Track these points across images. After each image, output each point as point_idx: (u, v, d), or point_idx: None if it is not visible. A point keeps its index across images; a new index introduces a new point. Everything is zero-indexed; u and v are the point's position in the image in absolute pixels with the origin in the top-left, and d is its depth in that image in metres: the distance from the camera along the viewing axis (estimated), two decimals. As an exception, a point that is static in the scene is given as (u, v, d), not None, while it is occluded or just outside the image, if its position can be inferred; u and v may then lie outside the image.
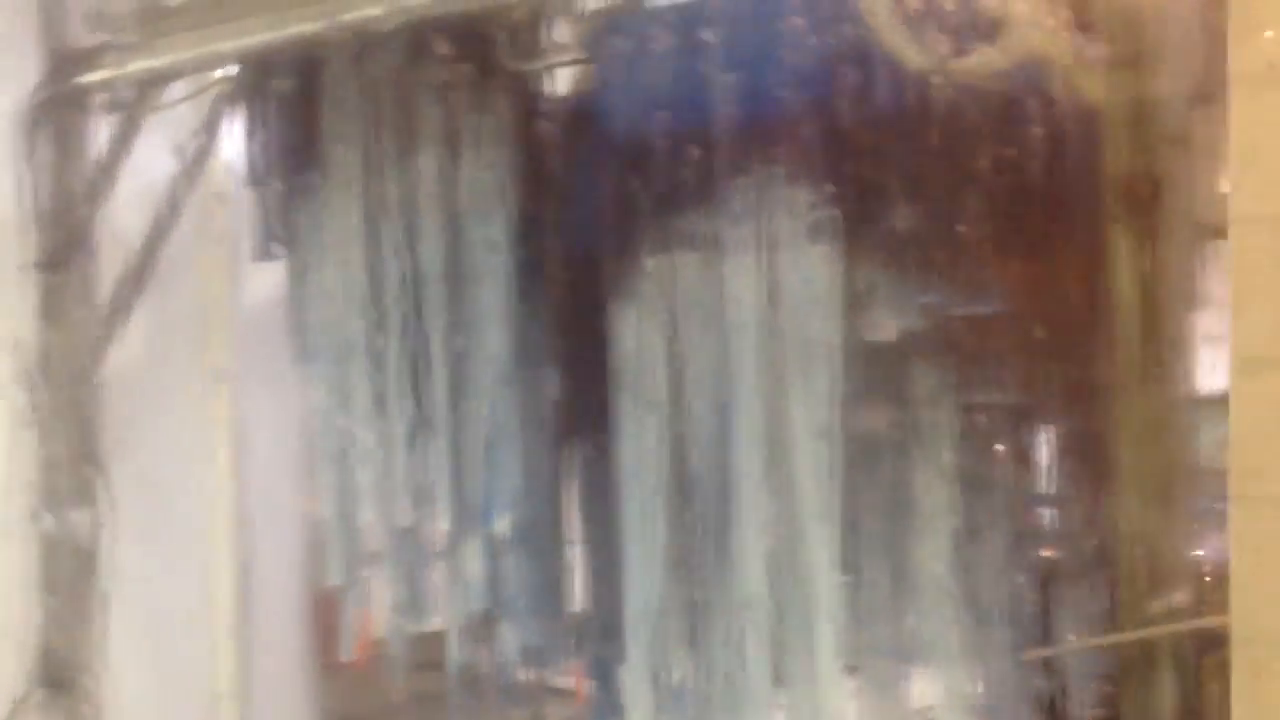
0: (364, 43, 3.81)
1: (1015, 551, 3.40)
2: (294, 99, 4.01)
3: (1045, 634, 3.49)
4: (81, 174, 4.53)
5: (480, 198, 3.81)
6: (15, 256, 4.59)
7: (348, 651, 4.19)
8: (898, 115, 3.18)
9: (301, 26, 3.86)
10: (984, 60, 2.80)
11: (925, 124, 3.13)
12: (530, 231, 3.81)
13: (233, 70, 4.22)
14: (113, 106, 4.42)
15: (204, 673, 5.47)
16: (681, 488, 3.60)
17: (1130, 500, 3.09)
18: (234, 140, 4.78)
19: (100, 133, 4.55)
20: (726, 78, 3.45)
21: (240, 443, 5.43)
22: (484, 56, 3.74)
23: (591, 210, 3.69)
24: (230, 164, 5.04)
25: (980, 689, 3.48)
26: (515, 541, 3.92)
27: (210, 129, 4.54)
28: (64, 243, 4.51)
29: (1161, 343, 2.99)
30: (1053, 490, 3.50)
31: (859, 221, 3.30)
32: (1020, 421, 3.31)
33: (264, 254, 4.15)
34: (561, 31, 3.71)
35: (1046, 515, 3.54)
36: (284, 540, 5.73)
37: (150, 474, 5.10)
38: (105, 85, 4.35)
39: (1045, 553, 3.43)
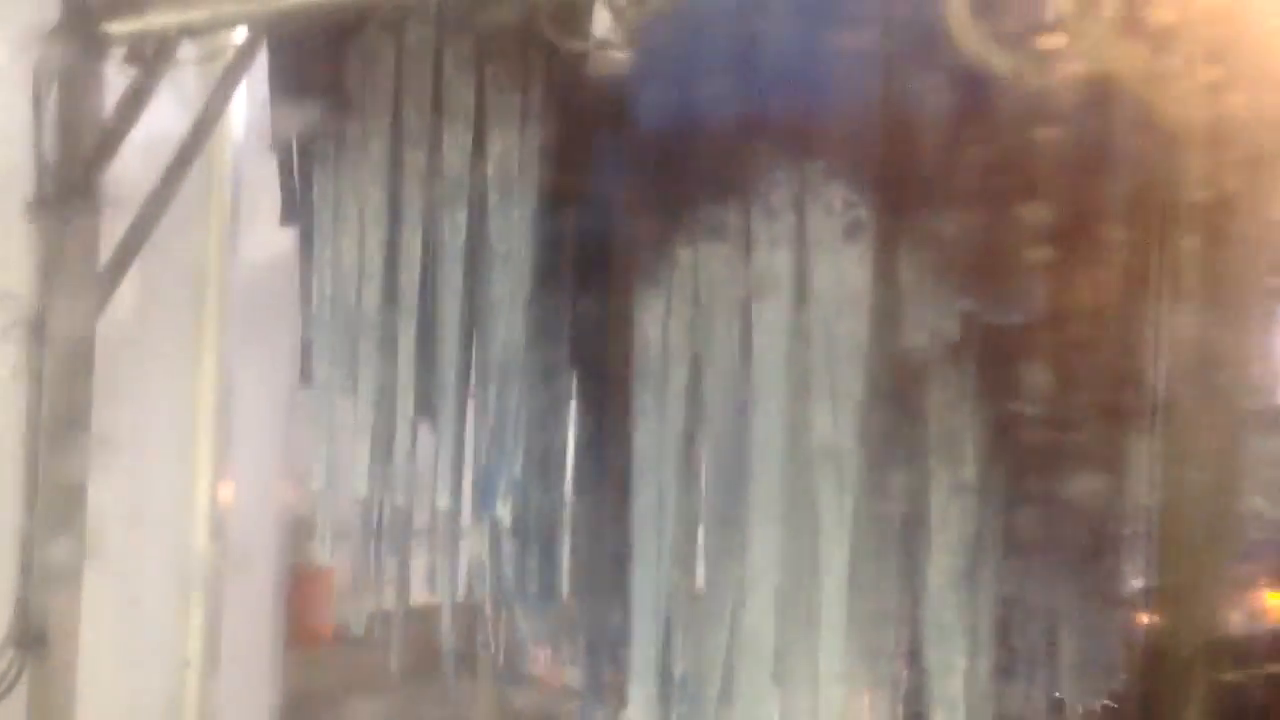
0: (402, 10, 3.75)
1: (1032, 567, 3.37)
2: (323, 64, 3.93)
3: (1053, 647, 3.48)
4: (92, 124, 4.43)
5: (508, 177, 3.76)
6: (17, 201, 4.50)
7: (354, 627, 4.15)
8: (946, 116, 3.15)
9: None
10: (1048, 64, 2.77)
11: (975, 127, 3.09)
12: (556, 214, 3.77)
13: (258, 29, 4.14)
14: (131, 60, 4.32)
15: (173, 640, 5.43)
16: (694, 481, 3.57)
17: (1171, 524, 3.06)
18: (247, 103, 4.75)
19: (116, 86, 4.46)
20: (768, 69, 3.42)
21: (225, 410, 5.38)
22: (523, 33, 3.69)
23: (621, 196, 3.65)
24: (240, 127, 5.01)
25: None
26: (516, 526, 3.88)
27: (226, 90, 4.47)
28: (67, 189, 4.41)
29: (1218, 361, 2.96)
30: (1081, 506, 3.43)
31: (898, 224, 3.27)
32: (1050, 434, 3.27)
33: (287, 220, 4.07)
34: (604, 14, 3.66)
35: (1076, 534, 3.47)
36: (263, 512, 5.69)
37: (134, 434, 5.04)
38: (124, 38, 4.26)
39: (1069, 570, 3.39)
